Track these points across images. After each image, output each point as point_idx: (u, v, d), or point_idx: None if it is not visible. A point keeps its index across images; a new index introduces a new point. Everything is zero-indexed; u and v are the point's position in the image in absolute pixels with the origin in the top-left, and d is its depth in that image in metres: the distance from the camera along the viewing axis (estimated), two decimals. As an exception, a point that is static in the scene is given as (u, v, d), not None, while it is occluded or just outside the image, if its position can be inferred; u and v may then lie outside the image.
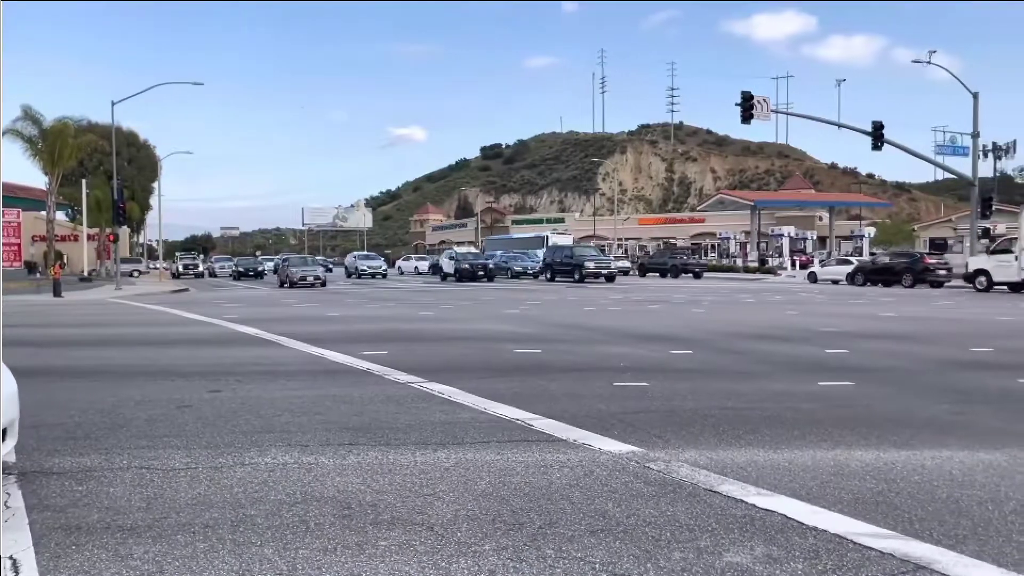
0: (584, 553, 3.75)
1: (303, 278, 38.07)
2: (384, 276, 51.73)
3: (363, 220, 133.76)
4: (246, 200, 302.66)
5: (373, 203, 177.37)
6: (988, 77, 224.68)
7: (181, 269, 61.16)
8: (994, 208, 44.47)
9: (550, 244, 56.06)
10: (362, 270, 52.35)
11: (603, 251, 59.15)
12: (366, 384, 8.71)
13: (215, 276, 59.86)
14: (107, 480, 5.02)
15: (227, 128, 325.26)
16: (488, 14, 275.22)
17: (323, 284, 38.31)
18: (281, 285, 39.51)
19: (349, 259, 59.34)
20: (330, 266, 66.76)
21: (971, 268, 32.04)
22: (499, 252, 57.74)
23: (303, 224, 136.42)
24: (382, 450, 5.73)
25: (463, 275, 44.28)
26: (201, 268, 62.01)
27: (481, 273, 44.32)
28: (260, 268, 56.65)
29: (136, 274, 57.69)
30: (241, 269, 55.77)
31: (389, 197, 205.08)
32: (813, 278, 42.60)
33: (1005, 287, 29.82)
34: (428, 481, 4.95)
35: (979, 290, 30.57)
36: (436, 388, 8.28)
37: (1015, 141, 69.10)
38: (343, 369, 9.96)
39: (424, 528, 4.11)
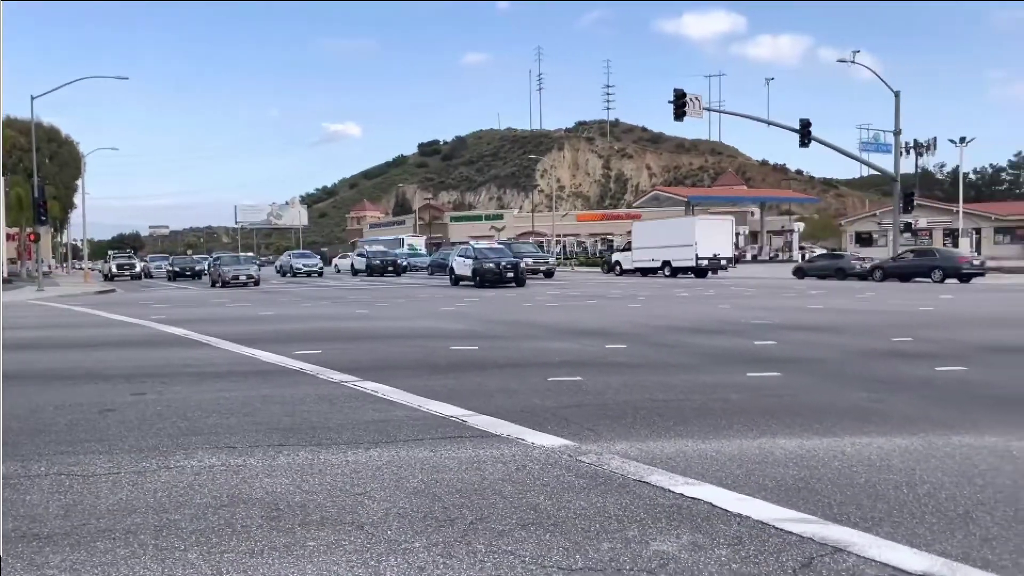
0: (514, 547, 3.77)
1: (236, 277, 37.29)
2: (320, 274, 51.01)
3: (298, 218, 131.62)
4: (176, 198, 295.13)
5: (308, 200, 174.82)
6: (909, 77, 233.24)
7: (115, 270, 52.92)
8: (915, 203, 46.23)
9: (406, 245, 65.30)
10: (297, 268, 51.44)
11: (541, 247, 59.63)
12: (298, 384, 8.58)
13: (151, 276, 56.70)
14: (23, 487, 4.84)
15: (155, 125, 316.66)
16: (422, 11, 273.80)
17: (256, 283, 37.58)
18: (213, 284, 38.62)
19: (284, 257, 58.20)
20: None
21: (612, 260, 48.61)
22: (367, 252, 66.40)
23: (236, 222, 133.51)
24: (313, 450, 5.66)
25: (486, 278, 32.63)
26: (138, 268, 55.13)
27: (510, 275, 32.87)
28: (197, 268, 53.89)
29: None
30: (177, 269, 52.95)
31: (325, 194, 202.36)
32: (618, 271, 50.55)
33: (633, 272, 45.06)
34: (359, 480, 4.91)
35: (616, 274, 46.19)
36: (370, 387, 8.20)
37: (935, 138, 72.10)
38: (275, 369, 9.79)
39: (354, 527, 4.07)
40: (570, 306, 21.05)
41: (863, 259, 40.29)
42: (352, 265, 53.14)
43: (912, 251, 38.86)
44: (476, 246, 37.66)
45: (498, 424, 6.37)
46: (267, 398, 7.71)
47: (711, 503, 4.35)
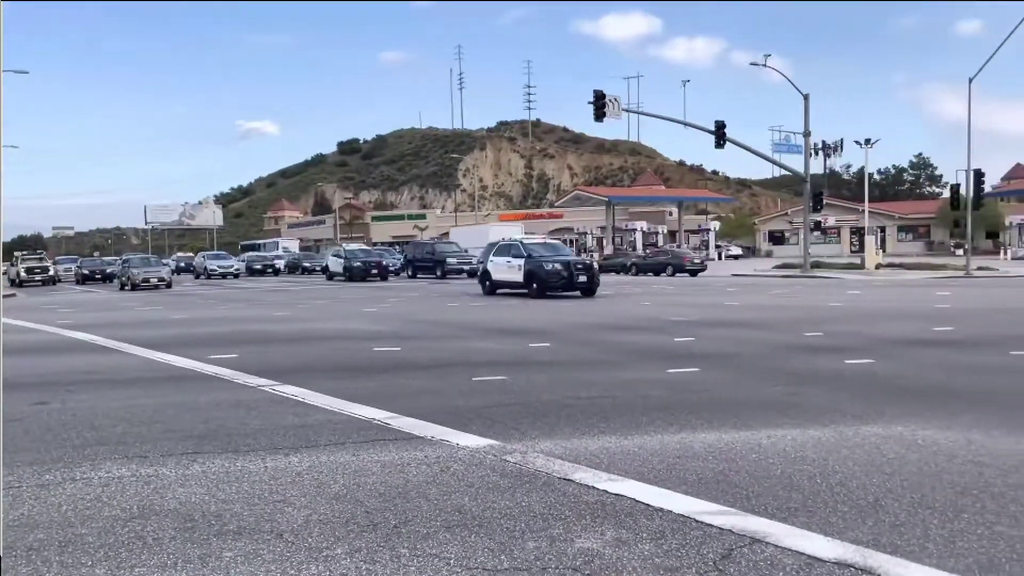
0: (439, 550, 3.73)
1: (146, 279, 35.96)
2: (236, 276, 49.71)
3: (212, 218, 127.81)
4: (81, 198, 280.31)
5: (224, 200, 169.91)
6: (818, 79, 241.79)
7: (24, 274, 45.62)
8: (824, 203, 47.99)
9: (280, 248, 68.63)
10: (211, 270, 49.93)
11: (466, 248, 59.70)
12: (213, 389, 8.31)
13: (59, 280, 53.35)
14: (-88, 506, 4.53)
15: (58, 123, 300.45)
16: (339, 7, 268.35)
17: (168, 285, 36.34)
18: (122, 288, 37.14)
19: (197, 259, 56.46)
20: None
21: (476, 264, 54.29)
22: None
23: (146, 223, 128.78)
24: (229, 457, 5.48)
25: (549, 283, 23.80)
26: (52, 272, 48.70)
27: (583, 279, 23.85)
28: (108, 270, 50.68)
29: None
30: (86, 272, 50.15)
31: (241, 194, 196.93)
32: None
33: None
34: (278, 487, 4.77)
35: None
36: (289, 391, 8.01)
37: (842, 140, 74.93)
38: (188, 375, 9.46)
39: (273, 536, 3.96)
40: (493, 305, 21.06)
41: (638, 255, 52.07)
42: (327, 267, 45.42)
43: (656, 252, 51.03)
44: (527, 242, 27.18)
45: (422, 426, 6.31)
46: (180, 404, 7.44)
47: (634, 498, 4.40)
